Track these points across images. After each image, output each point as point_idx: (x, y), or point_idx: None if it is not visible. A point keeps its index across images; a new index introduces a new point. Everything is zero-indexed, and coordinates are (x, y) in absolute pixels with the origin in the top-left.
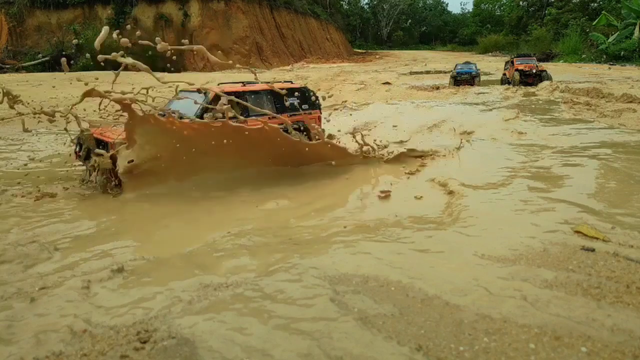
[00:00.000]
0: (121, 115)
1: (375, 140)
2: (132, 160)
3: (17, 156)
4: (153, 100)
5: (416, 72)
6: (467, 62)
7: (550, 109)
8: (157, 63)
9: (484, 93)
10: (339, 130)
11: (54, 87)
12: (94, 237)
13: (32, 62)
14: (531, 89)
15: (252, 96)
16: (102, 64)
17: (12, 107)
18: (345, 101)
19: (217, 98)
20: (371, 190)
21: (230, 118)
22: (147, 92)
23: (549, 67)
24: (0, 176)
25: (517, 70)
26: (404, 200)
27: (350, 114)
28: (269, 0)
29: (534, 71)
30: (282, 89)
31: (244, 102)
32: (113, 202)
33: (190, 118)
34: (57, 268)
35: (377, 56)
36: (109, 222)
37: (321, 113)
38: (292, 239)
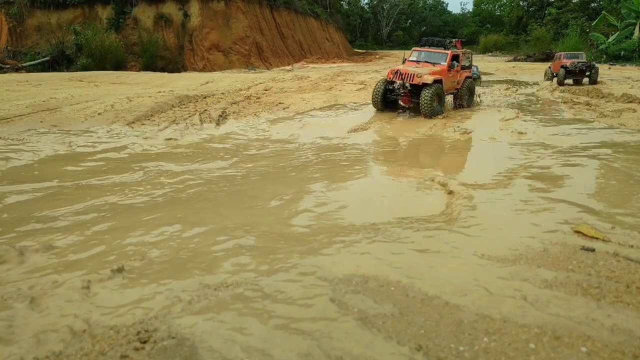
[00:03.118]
0: None
1: None
2: None
3: (18, 156)
4: None
5: None
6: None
7: (550, 109)
8: (156, 63)
9: (484, 93)
10: None
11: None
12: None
13: (32, 62)
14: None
15: None
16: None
17: None
18: None
19: None
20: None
21: None
22: None
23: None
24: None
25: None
26: (404, 200)
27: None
28: (269, 0)
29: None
30: None
31: None
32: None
33: None
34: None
35: (377, 56)
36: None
37: None
38: (292, 238)
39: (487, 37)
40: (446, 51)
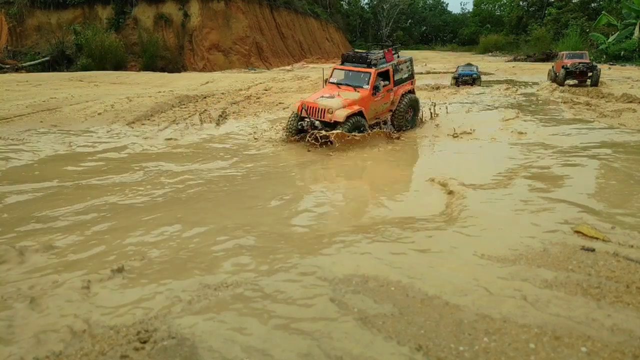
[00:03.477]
0: None
1: None
2: None
3: (18, 156)
4: None
5: (416, 72)
6: (469, 64)
7: (550, 109)
8: (156, 63)
9: (484, 93)
10: None
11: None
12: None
13: (32, 62)
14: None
15: None
16: None
17: None
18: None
19: None
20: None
21: None
22: None
23: (550, 67)
24: (0, 176)
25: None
26: (404, 200)
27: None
28: (269, 0)
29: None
30: None
31: None
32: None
33: None
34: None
35: None
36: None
37: None
38: (291, 238)
39: (487, 37)
40: (369, 70)
